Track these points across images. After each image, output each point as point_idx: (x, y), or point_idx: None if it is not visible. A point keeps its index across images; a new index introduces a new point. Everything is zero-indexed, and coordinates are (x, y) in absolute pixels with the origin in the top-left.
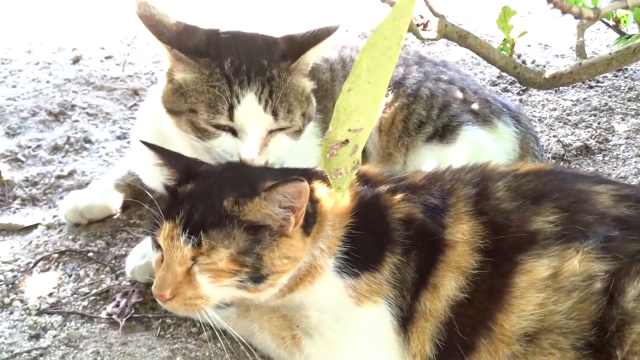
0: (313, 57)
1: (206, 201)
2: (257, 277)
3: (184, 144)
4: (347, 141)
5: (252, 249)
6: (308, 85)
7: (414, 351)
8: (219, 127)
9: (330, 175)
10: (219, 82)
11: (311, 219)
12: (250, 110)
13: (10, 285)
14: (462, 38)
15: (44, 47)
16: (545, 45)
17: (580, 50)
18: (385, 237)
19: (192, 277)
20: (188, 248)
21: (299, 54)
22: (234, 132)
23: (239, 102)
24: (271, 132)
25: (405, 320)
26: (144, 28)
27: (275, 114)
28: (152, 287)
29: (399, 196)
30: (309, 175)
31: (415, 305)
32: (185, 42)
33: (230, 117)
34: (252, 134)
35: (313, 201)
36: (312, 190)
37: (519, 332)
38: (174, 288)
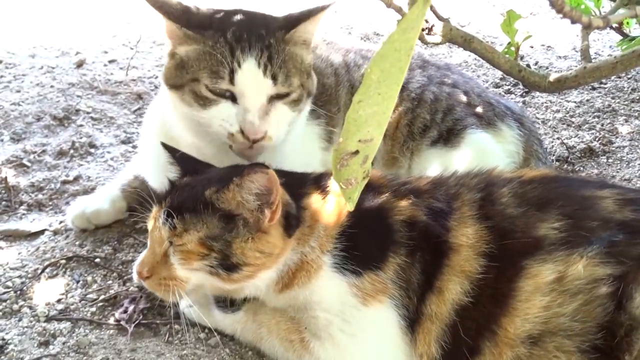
0: (307, 30)
1: (192, 190)
2: (229, 265)
3: (188, 139)
4: (357, 152)
5: (222, 235)
6: (308, 57)
7: (420, 351)
8: (220, 93)
9: (340, 186)
10: (222, 48)
11: (294, 222)
12: (250, 73)
13: (18, 292)
14: (466, 42)
15: (47, 51)
16: (548, 47)
17: (585, 53)
18: (388, 238)
19: (167, 257)
20: (165, 229)
21: (294, 26)
22: (234, 100)
23: (239, 66)
24: (271, 100)
25: (412, 321)
26: (153, 10)
27: (274, 77)
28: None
29: (401, 199)
30: (305, 180)
31: (422, 307)
32: (189, 19)
33: (231, 80)
34: (252, 97)
35: (300, 207)
36: (300, 196)
37: (523, 335)
38: (151, 267)
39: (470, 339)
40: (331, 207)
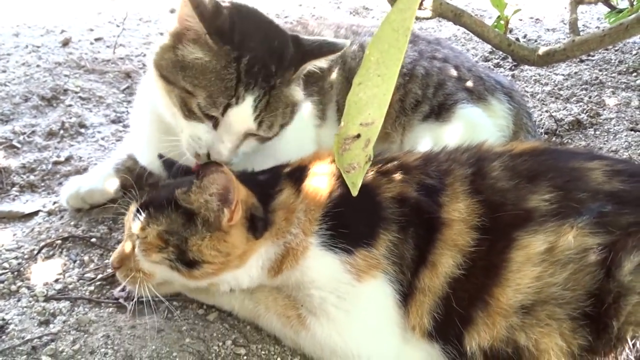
0: (312, 66)
1: (166, 189)
2: (188, 261)
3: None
4: (359, 135)
5: (180, 231)
6: (299, 96)
7: (412, 324)
8: (207, 116)
9: (343, 171)
10: (230, 77)
11: (260, 225)
12: (242, 114)
13: (15, 273)
14: (456, 16)
15: (31, 30)
16: (537, 20)
17: (573, 27)
18: (377, 215)
19: (134, 250)
20: (134, 224)
21: (301, 63)
22: (215, 125)
23: (236, 103)
24: (246, 136)
25: (405, 295)
26: (188, 8)
27: (260, 123)
28: None
29: (389, 176)
30: (278, 178)
31: (415, 281)
32: (215, 23)
33: (224, 112)
34: (233, 133)
35: (269, 209)
36: (272, 196)
37: (515, 305)
38: (120, 258)
39: (462, 309)
40: (309, 193)
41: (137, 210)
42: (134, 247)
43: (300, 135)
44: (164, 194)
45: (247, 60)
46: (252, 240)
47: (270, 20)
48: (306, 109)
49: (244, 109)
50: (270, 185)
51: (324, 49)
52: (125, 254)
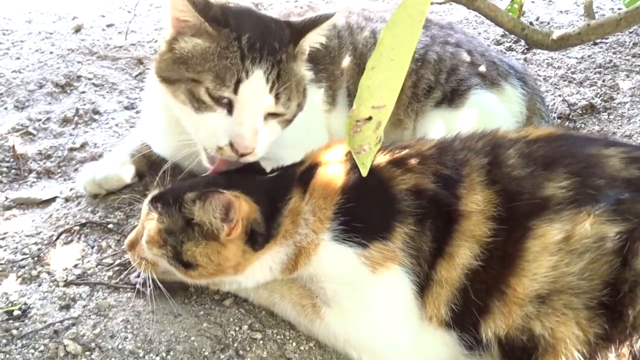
0: (311, 41)
1: (181, 188)
2: (183, 262)
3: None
4: (370, 118)
5: (177, 234)
6: (307, 75)
7: (429, 314)
8: (219, 100)
9: (354, 152)
10: (233, 54)
11: (261, 239)
12: (256, 86)
13: (36, 258)
14: (470, 1)
15: (43, 17)
16: (550, 1)
17: (588, 10)
18: (391, 208)
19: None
20: (144, 212)
21: (299, 37)
22: (230, 110)
23: (247, 76)
24: (266, 117)
25: (421, 287)
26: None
27: (277, 97)
28: None
29: (402, 167)
30: (291, 183)
31: (432, 273)
32: (209, 12)
33: (235, 90)
34: (251, 111)
35: (272, 226)
36: (276, 210)
37: (531, 295)
38: (130, 243)
39: (479, 299)
40: (319, 192)
41: (149, 202)
42: (141, 235)
43: (310, 122)
44: (175, 193)
45: (247, 39)
46: (250, 252)
47: (262, 13)
48: (315, 95)
49: (257, 82)
50: (281, 195)
51: (316, 20)
52: (136, 240)
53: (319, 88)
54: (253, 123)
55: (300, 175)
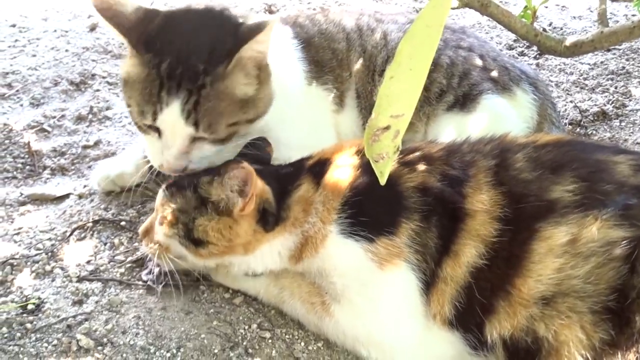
0: (253, 51)
1: (198, 174)
2: (194, 240)
3: None
4: (388, 127)
5: (190, 212)
6: (250, 88)
7: (433, 312)
8: (149, 126)
9: (372, 160)
10: (152, 84)
11: (271, 219)
12: (171, 118)
13: (49, 254)
14: (483, 7)
15: (59, 14)
16: (563, 7)
17: (602, 17)
18: (397, 205)
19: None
20: (159, 200)
21: (233, 54)
22: (160, 134)
23: (160, 109)
24: (193, 140)
25: (427, 284)
26: (103, 21)
27: (196, 124)
28: None
29: (411, 166)
30: (300, 172)
31: (437, 271)
32: (142, 31)
33: (154, 120)
34: (171, 139)
35: (283, 207)
36: (287, 194)
37: (536, 296)
38: (145, 230)
39: (484, 299)
40: (329, 184)
41: (164, 189)
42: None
43: (316, 121)
44: (190, 178)
45: (167, 65)
46: (261, 233)
47: (217, 14)
48: (320, 97)
49: (172, 112)
50: (291, 181)
51: (249, 32)
52: (150, 227)
53: (325, 90)
54: (176, 148)
55: (309, 167)
